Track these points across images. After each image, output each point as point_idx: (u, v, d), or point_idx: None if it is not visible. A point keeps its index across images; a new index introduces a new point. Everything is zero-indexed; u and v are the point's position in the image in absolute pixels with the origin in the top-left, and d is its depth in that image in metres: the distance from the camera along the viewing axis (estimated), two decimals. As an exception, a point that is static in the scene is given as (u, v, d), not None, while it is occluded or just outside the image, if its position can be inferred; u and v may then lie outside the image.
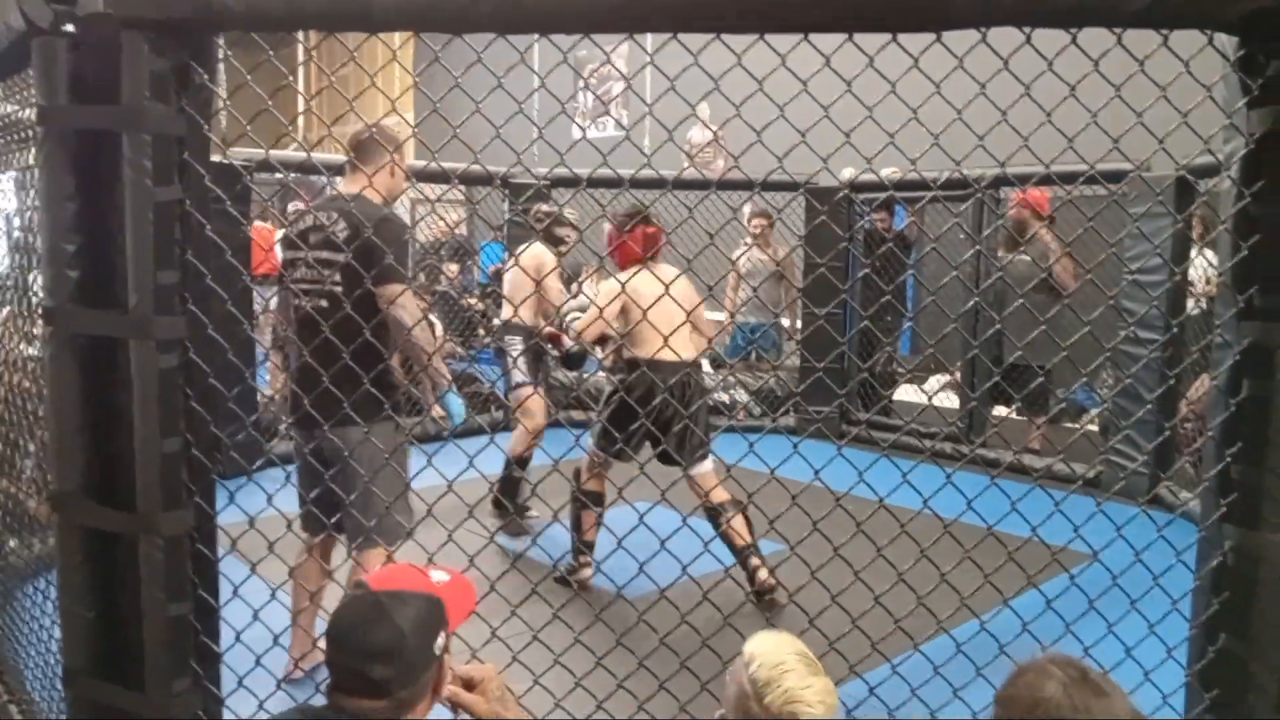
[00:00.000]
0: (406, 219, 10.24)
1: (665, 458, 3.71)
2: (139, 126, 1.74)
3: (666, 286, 2.21)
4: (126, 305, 1.78)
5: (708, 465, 3.76)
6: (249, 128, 1.98)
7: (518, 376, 4.78)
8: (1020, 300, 2.33)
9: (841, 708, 1.90)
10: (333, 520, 2.49)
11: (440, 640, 1.48)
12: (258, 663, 1.89)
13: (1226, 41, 1.74)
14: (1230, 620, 1.79)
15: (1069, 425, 6.28)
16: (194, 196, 1.84)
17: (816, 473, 1.86)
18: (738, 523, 3.62)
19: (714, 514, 3.68)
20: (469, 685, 1.61)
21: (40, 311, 1.90)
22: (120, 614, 1.86)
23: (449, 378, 3.32)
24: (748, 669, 1.41)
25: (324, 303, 2.84)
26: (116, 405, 1.82)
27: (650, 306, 2.45)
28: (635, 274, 3.72)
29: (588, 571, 3.58)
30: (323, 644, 1.45)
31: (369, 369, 2.21)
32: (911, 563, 1.92)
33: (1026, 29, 1.70)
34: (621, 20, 1.69)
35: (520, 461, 4.66)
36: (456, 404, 3.21)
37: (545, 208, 5.36)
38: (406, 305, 2.84)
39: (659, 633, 1.91)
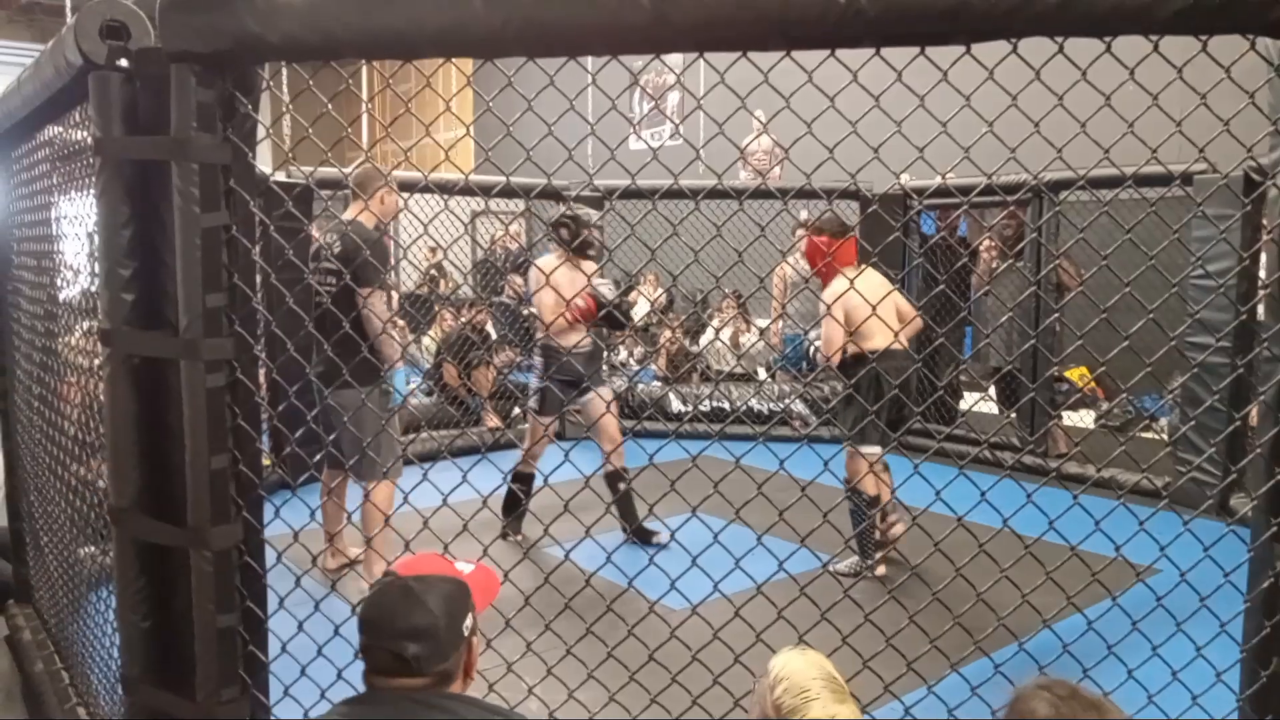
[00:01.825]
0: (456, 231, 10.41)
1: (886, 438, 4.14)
2: (187, 155, 1.82)
3: (896, 284, 2.39)
4: (177, 327, 1.86)
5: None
6: (325, 150, 2.05)
7: (531, 403, 4.78)
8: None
9: (878, 727, 1.89)
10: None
11: (469, 621, 1.56)
12: (303, 672, 1.94)
13: (1270, 45, 1.69)
14: (1283, 643, 1.73)
15: (1138, 434, 6.10)
16: (240, 222, 1.90)
17: (893, 492, 1.85)
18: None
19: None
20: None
21: (98, 333, 1.99)
22: (174, 623, 1.94)
23: (395, 358, 4.17)
24: (773, 691, 1.41)
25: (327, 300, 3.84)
26: (168, 424, 1.90)
27: (879, 302, 2.71)
28: (858, 275, 3.90)
29: (881, 569, 4.09)
30: (350, 551, 1.50)
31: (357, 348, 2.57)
32: (948, 580, 1.90)
33: (1059, 38, 1.67)
34: (645, 42, 1.71)
35: (520, 477, 4.58)
36: (400, 381, 3.61)
37: (570, 212, 4.86)
38: (373, 304, 3.74)
39: (691, 649, 1.92)
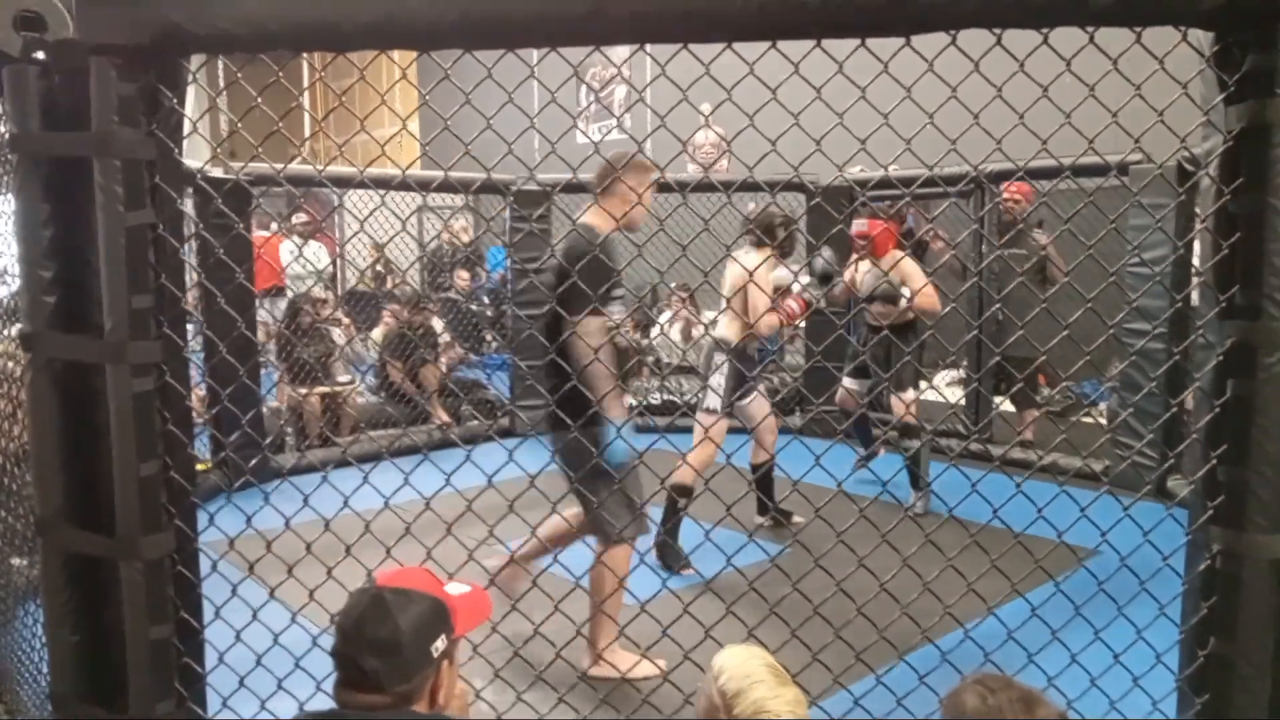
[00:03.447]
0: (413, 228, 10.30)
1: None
2: (109, 151, 1.75)
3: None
4: (102, 330, 1.78)
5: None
6: (256, 146, 1.98)
7: (711, 400, 4.28)
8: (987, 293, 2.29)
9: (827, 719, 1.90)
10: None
11: (439, 643, 1.50)
12: (241, 683, 1.89)
13: (1202, 37, 1.71)
14: (1219, 623, 1.76)
15: (1078, 419, 6.22)
16: (167, 220, 1.84)
17: (839, 484, 1.84)
18: None
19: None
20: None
21: (19, 337, 1.91)
22: (105, 636, 1.87)
23: (605, 395, 2.80)
24: (716, 681, 1.40)
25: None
26: (95, 430, 1.83)
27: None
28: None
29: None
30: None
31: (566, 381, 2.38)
32: (895, 571, 1.90)
33: (997, 30, 1.68)
34: (586, 34, 1.68)
35: (684, 491, 4.00)
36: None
37: (781, 212, 4.55)
38: (585, 330, 2.79)
39: (640, 647, 1.90)
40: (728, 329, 4.43)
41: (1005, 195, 5.79)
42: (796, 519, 4.60)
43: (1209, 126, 1.77)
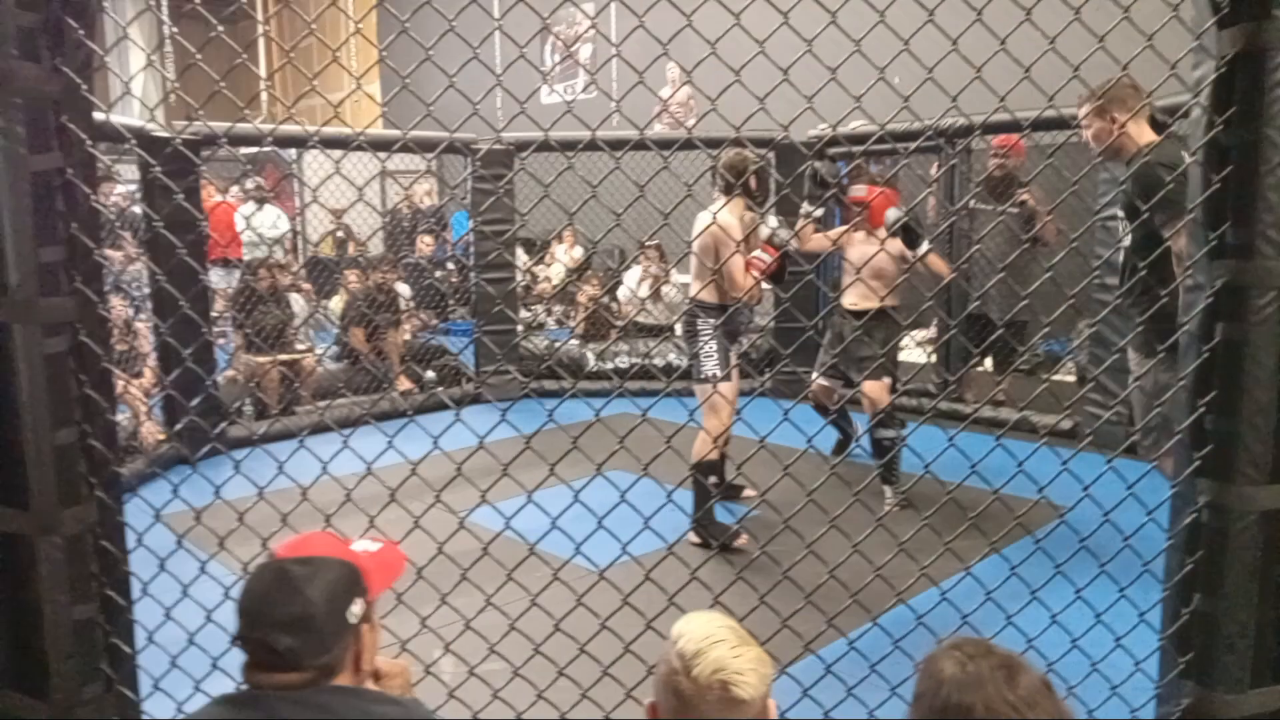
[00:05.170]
0: (375, 192, 10.05)
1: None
2: (8, 88, 1.59)
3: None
4: (7, 287, 1.63)
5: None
6: (196, 109, 1.82)
7: (709, 366, 4.02)
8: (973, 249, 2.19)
9: (797, 686, 1.81)
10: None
11: (356, 608, 1.39)
12: (174, 664, 1.77)
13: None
14: (1204, 579, 1.69)
15: (1045, 377, 6.20)
16: (77, 165, 1.68)
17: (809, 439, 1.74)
18: None
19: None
20: (376, 678, 1.51)
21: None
22: (25, 617, 1.73)
23: None
24: (675, 645, 1.30)
25: None
26: (4, 395, 1.68)
27: None
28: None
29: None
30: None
31: None
32: (869, 530, 1.82)
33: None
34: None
35: (709, 468, 3.86)
36: None
37: (739, 153, 4.09)
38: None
39: (599, 616, 1.80)
40: (705, 291, 4.02)
41: (994, 148, 5.61)
42: (748, 493, 4.41)
43: (1200, 52, 1.66)
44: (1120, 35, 1.70)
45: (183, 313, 1.87)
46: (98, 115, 1.84)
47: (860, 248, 4.57)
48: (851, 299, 4.60)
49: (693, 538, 3.71)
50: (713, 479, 3.84)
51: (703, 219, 3.84)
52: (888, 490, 4.36)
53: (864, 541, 1.82)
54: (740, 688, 1.26)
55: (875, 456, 4.46)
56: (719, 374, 3.98)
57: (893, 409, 4.49)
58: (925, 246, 4.42)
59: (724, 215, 3.80)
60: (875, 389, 4.44)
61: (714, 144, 4.52)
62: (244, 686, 1.36)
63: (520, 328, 7.16)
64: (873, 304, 4.43)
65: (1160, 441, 2.90)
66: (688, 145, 6.35)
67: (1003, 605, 1.83)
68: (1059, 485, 1.86)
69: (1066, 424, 5.05)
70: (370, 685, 1.48)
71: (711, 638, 1.30)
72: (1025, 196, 5.34)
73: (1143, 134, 2.98)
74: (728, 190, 3.97)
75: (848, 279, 4.76)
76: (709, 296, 4.01)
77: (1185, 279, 1.72)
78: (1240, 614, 1.66)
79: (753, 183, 3.99)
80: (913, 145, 5.26)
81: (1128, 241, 3.10)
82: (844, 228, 4.92)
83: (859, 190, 4.68)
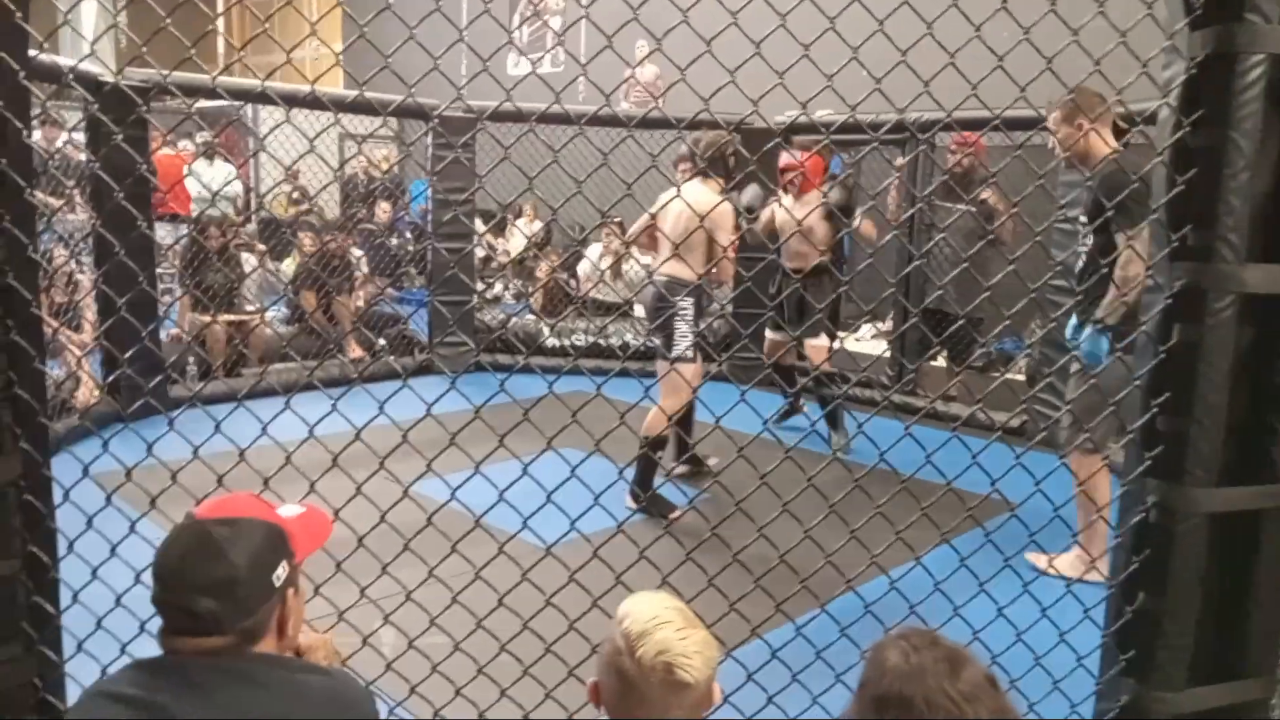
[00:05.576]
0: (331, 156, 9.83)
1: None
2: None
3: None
4: (-73, 224, 1.54)
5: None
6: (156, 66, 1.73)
7: (684, 346, 3.98)
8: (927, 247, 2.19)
9: (742, 670, 1.80)
10: None
11: (281, 571, 1.34)
12: (99, 624, 1.70)
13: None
14: (1149, 579, 1.70)
15: (995, 375, 6.26)
16: (7, 99, 1.59)
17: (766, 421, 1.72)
18: None
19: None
20: (296, 653, 1.47)
21: None
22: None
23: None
24: (620, 625, 1.27)
25: None
26: (-75, 340, 1.59)
27: None
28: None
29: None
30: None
31: None
32: (822, 516, 1.80)
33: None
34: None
35: (658, 444, 3.89)
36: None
37: (719, 134, 4.09)
38: None
39: (545, 593, 1.76)
40: (681, 268, 3.90)
41: (953, 146, 5.62)
42: (712, 461, 4.48)
43: (1171, 53, 1.65)
44: (1093, 33, 1.69)
45: (119, 260, 1.79)
46: (41, 56, 1.75)
47: (795, 212, 4.63)
48: (792, 263, 4.93)
49: (629, 501, 3.70)
50: (659, 454, 3.90)
51: (691, 195, 3.64)
52: (833, 435, 4.88)
53: (815, 528, 1.80)
54: (685, 671, 1.24)
55: (820, 408, 5.00)
56: (690, 355, 3.98)
57: (829, 372, 4.91)
58: (859, 218, 4.89)
59: (709, 195, 3.79)
60: (815, 350, 4.94)
61: (681, 121, 4.49)
62: (162, 653, 1.31)
63: (475, 299, 7.07)
64: (806, 264, 4.81)
65: (1072, 438, 3.00)
66: (659, 124, 6.24)
67: (951, 597, 1.83)
68: (1009, 480, 1.86)
69: (1015, 422, 5.11)
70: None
71: (658, 619, 1.27)
72: (986, 195, 5.36)
73: (1107, 141, 3.07)
74: (706, 170, 3.94)
75: (785, 243, 4.94)
76: (688, 275, 3.94)
77: (1145, 280, 1.73)
78: (1183, 614, 1.68)
79: (730, 164, 3.98)
80: (880, 132, 5.26)
81: (1089, 243, 3.14)
82: (773, 204, 4.88)
83: (789, 157, 4.77)
